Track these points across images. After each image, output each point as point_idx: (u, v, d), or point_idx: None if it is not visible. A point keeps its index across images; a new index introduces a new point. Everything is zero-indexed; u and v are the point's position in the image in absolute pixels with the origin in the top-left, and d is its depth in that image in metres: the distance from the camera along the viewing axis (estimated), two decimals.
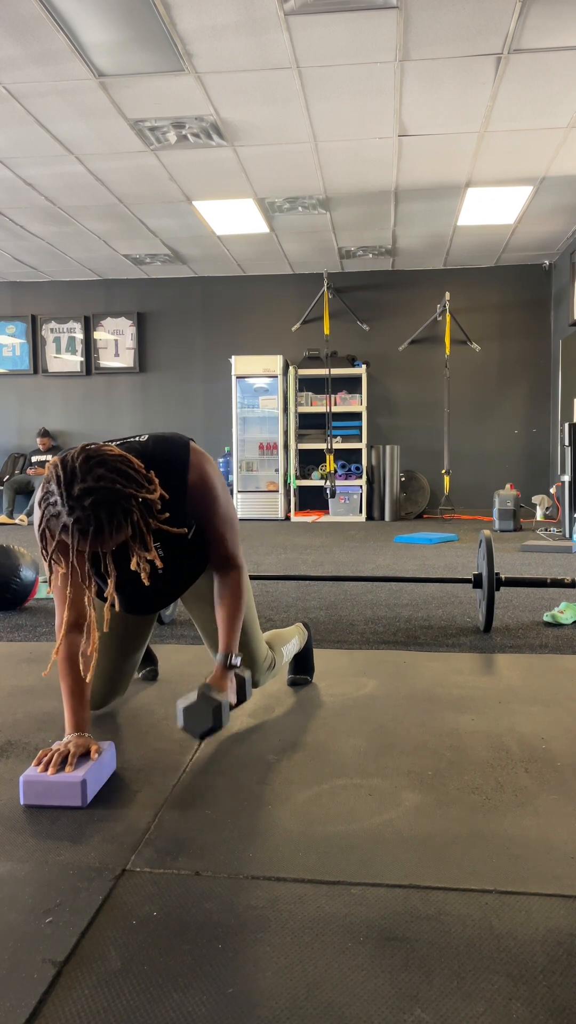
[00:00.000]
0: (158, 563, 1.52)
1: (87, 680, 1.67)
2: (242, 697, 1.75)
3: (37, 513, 1.46)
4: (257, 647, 1.97)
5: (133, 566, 1.51)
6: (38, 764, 1.55)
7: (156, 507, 1.48)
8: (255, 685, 1.97)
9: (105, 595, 1.56)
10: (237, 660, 1.73)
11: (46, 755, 1.56)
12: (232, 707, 1.72)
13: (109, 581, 1.51)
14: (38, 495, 1.46)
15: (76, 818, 1.46)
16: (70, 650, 1.67)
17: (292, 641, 2.21)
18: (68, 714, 1.65)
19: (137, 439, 1.69)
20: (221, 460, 8.77)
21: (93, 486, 1.38)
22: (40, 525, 1.44)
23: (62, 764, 1.54)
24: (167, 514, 1.54)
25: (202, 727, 1.55)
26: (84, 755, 1.58)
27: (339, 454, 8.74)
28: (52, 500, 1.41)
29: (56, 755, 1.55)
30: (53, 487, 1.40)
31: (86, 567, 1.53)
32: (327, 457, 8.38)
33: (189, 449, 1.69)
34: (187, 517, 1.72)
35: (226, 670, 1.72)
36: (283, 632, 2.20)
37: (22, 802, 1.51)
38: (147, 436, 1.71)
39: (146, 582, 1.54)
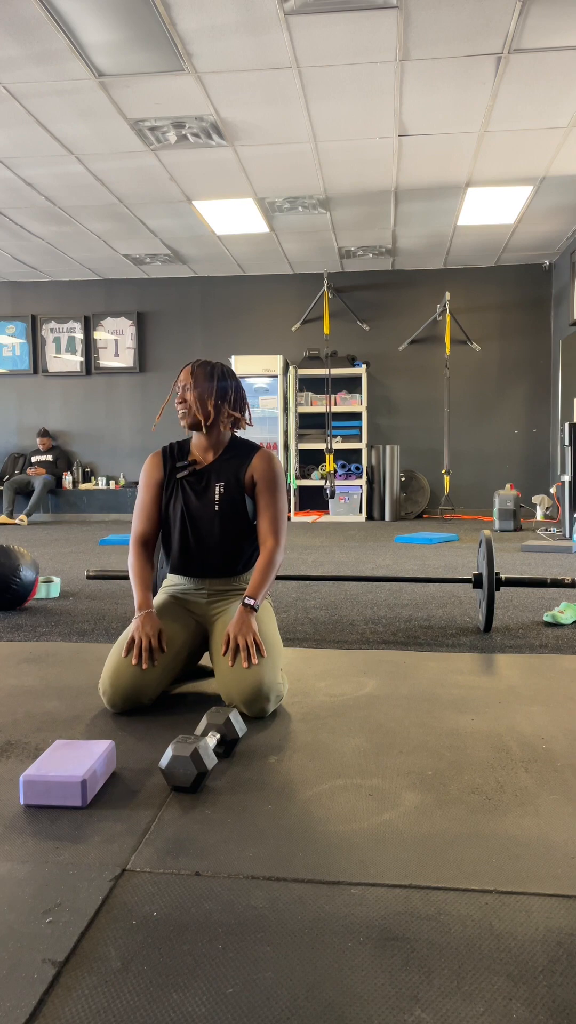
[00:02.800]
0: (210, 409, 2.20)
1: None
2: (234, 735, 1.76)
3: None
4: (274, 683, 2.03)
5: (192, 401, 2.20)
6: (127, 654, 2.02)
7: (241, 396, 2.26)
8: (260, 717, 2.00)
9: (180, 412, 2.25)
10: (257, 604, 2.11)
11: (133, 647, 2.03)
12: (227, 750, 1.73)
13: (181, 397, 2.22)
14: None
15: (76, 818, 1.46)
16: (139, 550, 2.23)
17: None
18: (136, 593, 2.15)
19: None
20: None
21: (214, 361, 2.26)
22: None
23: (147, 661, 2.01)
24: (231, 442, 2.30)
25: (188, 779, 1.54)
26: (154, 647, 2.04)
27: (339, 454, 8.74)
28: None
29: (141, 648, 2.02)
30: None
31: (179, 393, 2.23)
32: (326, 457, 8.38)
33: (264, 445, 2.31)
34: (243, 486, 2.24)
35: (247, 610, 2.09)
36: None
37: (22, 802, 1.51)
38: None
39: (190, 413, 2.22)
